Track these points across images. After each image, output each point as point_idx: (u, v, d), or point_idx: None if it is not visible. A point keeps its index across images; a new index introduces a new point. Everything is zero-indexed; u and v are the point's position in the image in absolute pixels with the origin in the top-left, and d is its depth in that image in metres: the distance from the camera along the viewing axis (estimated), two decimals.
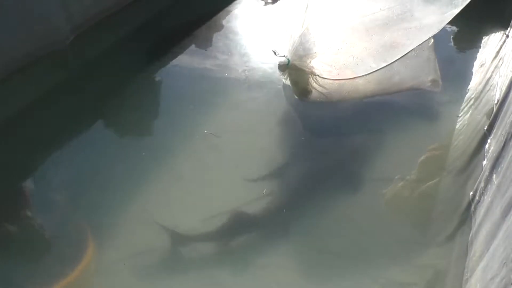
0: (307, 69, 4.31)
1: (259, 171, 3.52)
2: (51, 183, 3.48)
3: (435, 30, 4.15)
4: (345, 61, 4.32)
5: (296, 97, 4.35)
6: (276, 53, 4.33)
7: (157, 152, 3.70)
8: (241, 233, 3.18)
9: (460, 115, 3.99)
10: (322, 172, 3.68)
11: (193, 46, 5.12)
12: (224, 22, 5.50)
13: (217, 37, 5.23)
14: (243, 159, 3.67)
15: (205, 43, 5.18)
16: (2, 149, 3.70)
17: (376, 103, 4.27)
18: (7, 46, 4.19)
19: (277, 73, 4.43)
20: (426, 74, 4.33)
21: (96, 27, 5.02)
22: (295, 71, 4.32)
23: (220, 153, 3.71)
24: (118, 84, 4.50)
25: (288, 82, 4.39)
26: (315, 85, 4.30)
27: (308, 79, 4.32)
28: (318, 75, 4.28)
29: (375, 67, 4.20)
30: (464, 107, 4.06)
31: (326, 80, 4.28)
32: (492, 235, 2.53)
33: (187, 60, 4.91)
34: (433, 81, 4.27)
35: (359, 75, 4.25)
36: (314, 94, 4.28)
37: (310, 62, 4.33)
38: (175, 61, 4.86)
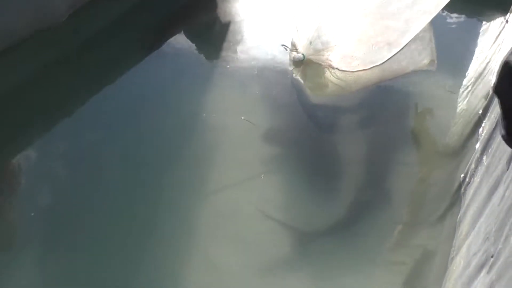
0: (324, 63, 4.16)
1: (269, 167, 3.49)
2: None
3: (433, 13, 3.96)
4: (365, 51, 4.12)
5: (309, 92, 4.23)
6: (288, 49, 4.22)
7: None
8: None
9: (459, 100, 3.90)
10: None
11: (195, 32, 4.84)
12: (231, 8, 5.10)
13: (222, 25, 4.89)
14: (250, 157, 3.57)
15: (209, 30, 4.90)
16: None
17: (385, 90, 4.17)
18: (3, 21, 3.95)
19: (289, 68, 4.23)
20: (423, 55, 4.14)
21: (93, 5, 4.60)
22: (310, 66, 4.16)
23: (226, 152, 3.61)
24: (111, 64, 4.32)
25: (299, 77, 4.21)
26: (332, 78, 4.12)
27: (325, 73, 4.15)
28: (337, 68, 4.09)
29: (390, 54, 4.11)
30: (463, 92, 3.97)
31: (343, 72, 4.07)
32: (479, 214, 2.60)
33: (185, 47, 4.60)
34: (430, 61, 4.07)
35: (377, 64, 4.03)
36: (329, 88, 4.13)
37: (328, 55, 4.22)
38: (171, 47, 4.57)
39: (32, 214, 3.04)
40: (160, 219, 3.07)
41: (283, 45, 4.29)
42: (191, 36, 4.71)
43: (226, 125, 3.74)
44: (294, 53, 4.23)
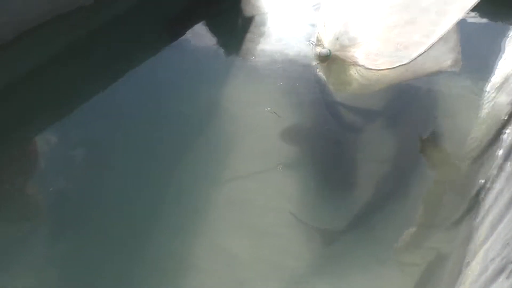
0: (350, 60, 4.12)
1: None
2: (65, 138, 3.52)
3: (461, 14, 3.94)
4: (391, 49, 4.05)
5: (332, 88, 4.12)
6: (314, 44, 4.18)
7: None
8: None
9: (483, 103, 3.78)
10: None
11: (217, 23, 4.74)
12: (255, 1, 4.96)
13: (245, 17, 4.78)
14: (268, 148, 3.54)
15: (232, 21, 4.80)
16: (22, 98, 3.72)
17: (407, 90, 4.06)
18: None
19: (313, 63, 4.17)
20: (448, 56, 4.09)
21: None
22: (335, 62, 4.11)
23: (244, 141, 3.57)
24: (132, 52, 4.29)
25: (323, 72, 4.15)
26: (356, 75, 4.06)
27: (349, 70, 4.10)
28: (362, 65, 4.02)
29: (416, 54, 4.03)
30: (487, 96, 3.84)
31: (368, 70, 4.01)
32: (499, 220, 2.55)
33: (207, 37, 4.51)
34: (455, 62, 4.03)
35: (402, 63, 3.96)
36: (353, 85, 4.07)
37: (354, 52, 4.18)
38: (193, 37, 4.48)
39: (51, 189, 3.09)
40: (172, 205, 3.09)
41: (309, 40, 4.24)
42: (212, 27, 4.67)
43: (246, 115, 3.71)
44: (320, 48, 4.20)
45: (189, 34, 4.51)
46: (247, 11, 4.86)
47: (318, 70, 4.10)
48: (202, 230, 2.95)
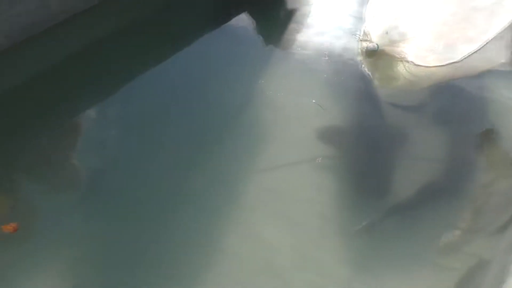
0: (398, 55, 4.02)
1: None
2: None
3: None
4: (443, 46, 3.95)
5: (377, 83, 3.97)
6: (361, 38, 4.09)
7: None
8: None
9: None
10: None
11: (265, 11, 4.69)
12: None
13: (289, 8, 4.71)
14: (309, 139, 3.48)
15: (276, 11, 4.72)
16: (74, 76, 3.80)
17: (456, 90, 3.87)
18: None
19: (358, 56, 4.07)
20: (501, 54, 3.89)
21: None
22: (382, 57, 4.02)
23: (285, 131, 3.54)
24: (175, 37, 4.31)
25: (368, 67, 4.03)
26: (403, 71, 3.97)
27: (397, 65, 4.00)
28: (411, 61, 3.94)
29: (468, 51, 3.86)
30: None
31: (417, 66, 3.91)
32: None
33: (250, 26, 4.50)
34: (508, 60, 3.84)
35: (454, 61, 3.89)
36: (399, 81, 3.95)
37: (403, 47, 4.05)
38: (236, 25, 4.47)
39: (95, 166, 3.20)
40: (209, 189, 3.10)
41: (356, 34, 4.14)
42: (259, 16, 4.63)
43: (289, 105, 3.67)
44: (367, 43, 4.10)
45: (236, 21, 4.50)
46: (292, 1, 4.80)
47: (363, 64, 4.00)
48: (236, 216, 2.96)
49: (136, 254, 2.78)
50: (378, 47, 4.03)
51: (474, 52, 3.82)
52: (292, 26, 4.44)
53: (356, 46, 4.12)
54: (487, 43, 3.80)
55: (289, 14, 4.60)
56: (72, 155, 3.28)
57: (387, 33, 4.09)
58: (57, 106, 3.58)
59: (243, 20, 4.54)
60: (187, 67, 4.01)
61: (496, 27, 3.91)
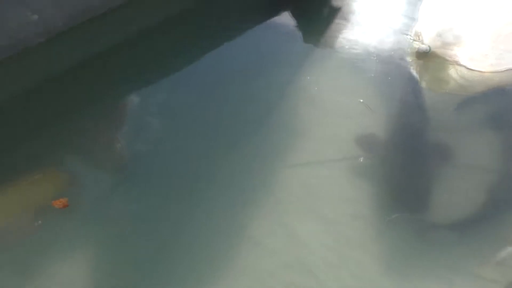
0: (450, 58, 3.90)
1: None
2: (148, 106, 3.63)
3: None
4: (501, 51, 3.79)
5: (425, 85, 3.83)
6: (412, 39, 3.97)
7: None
8: None
9: None
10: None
11: (311, 7, 4.64)
12: None
13: (334, 5, 4.64)
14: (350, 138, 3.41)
15: (326, 7, 4.64)
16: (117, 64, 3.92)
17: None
18: None
19: (407, 58, 3.96)
20: None
21: None
22: (433, 59, 3.90)
23: (327, 128, 3.49)
24: (216, 30, 4.34)
25: (418, 69, 3.93)
26: (455, 75, 3.83)
27: (449, 69, 3.87)
28: (464, 65, 3.81)
29: None
30: None
31: (471, 71, 3.78)
32: None
33: (292, 23, 4.45)
34: None
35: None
36: (449, 85, 3.79)
37: (457, 51, 3.91)
38: (280, 21, 4.44)
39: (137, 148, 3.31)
40: (244, 179, 3.12)
41: (406, 34, 4.03)
42: (301, 12, 4.60)
43: (332, 102, 3.63)
44: (418, 44, 3.99)
45: (281, 16, 4.50)
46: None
47: (412, 66, 3.89)
48: (270, 208, 2.96)
49: (168, 236, 2.84)
50: (430, 49, 3.91)
51: None
52: (338, 23, 4.39)
53: (406, 46, 4.02)
54: None
55: (335, 11, 4.55)
56: (117, 138, 3.41)
57: (440, 35, 3.95)
58: (105, 91, 3.74)
59: (288, 16, 4.53)
60: (231, 60, 4.06)
61: None
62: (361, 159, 3.26)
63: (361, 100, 3.62)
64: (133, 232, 2.82)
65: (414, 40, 3.99)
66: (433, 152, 3.41)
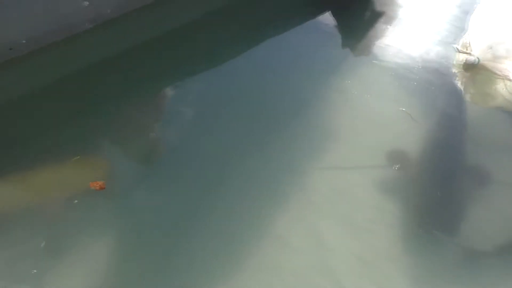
0: (500, 72, 3.78)
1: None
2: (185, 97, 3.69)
3: None
4: None
5: (469, 99, 3.74)
6: (459, 49, 3.87)
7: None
8: None
9: None
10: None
11: (353, 11, 4.62)
12: None
13: (376, 9, 4.61)
14: (387, 146, 3.36)
15: (362, 11, 4.63)
16: (160, 55, 3.97)
17: None
18: None
19: (452, 69, 3.88)
20: None
21: None
22: (481, 72, 3.80)
23: (362, 133, 3.45)
24: (268, 23, 4.40)
25: (463, 81, 3.84)
26: (503, 91, 3.72)
27: (497, 83, 3.76)
28: None
29: None
30: None
31: None
32: None
33: (333, 25, 4.43)
34: None
35: None
36: (496, 101, 3.69)
37: (508, 64, 3.78)
38: (320, 23, 4.43)
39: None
40: (274, 178, 3.12)
41: (453, 44, 3.94)
42: (343, 15, 4.57)
43: (372, 108, 3.59)
44: (466, 55, 3.87)
45: (322, 18, 4.49)
46: (382, 3, 4.69)
47: (458, 78, 3.80)
48: (299, 209, 2.95)
49: (195, 228, 2.87)
50: (478, 61, 3.79)
51: None
52: (382, 29, 4.35)
53: (452, 57, 3.93)
54: None
55: (377, 16, 4.51)
56: (154, 128, 3.48)
57: (491, 47, 3.82)
58: (145, 81, 3.80)
59: (330, 17, 4.52)
60: (268, 57, 4.07)
61: None
62: (396, 168, 3.21)
63: (403, 109, 3.57)
64: (160, 220, 2.87)
65: (461, 51, 3.88)
66: (471, 169, 3.31)
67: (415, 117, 3.52)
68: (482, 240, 2.92)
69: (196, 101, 3.65)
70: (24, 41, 3.72)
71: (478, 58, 3.80)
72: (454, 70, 3.85)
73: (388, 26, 4.37)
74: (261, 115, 3.54)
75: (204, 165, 3.18)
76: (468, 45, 3.92)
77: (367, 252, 2.78)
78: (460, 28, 4.16)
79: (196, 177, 3.11)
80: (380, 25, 4.41)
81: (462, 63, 3.87)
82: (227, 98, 3.67)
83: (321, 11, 4.58)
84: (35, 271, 2.54)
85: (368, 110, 3.59)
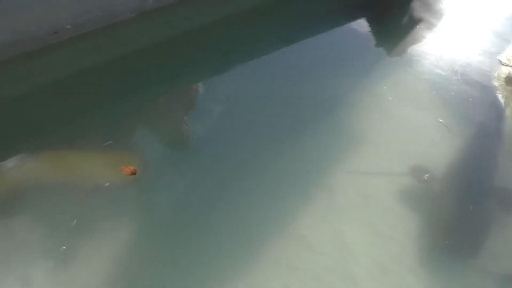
0: None
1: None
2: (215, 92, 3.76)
3: None
4: None
5: (510, 115, 3.65)
6: (503, 62, 3.78)
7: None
8: None
9: None
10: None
11: (392, 16, 4.60)
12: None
13: (415, 15, 4.57)
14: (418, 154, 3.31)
15: (412, 17, 4.57)
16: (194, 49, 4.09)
17: None
18: None
19: (493, 82, 3.79)
20: None
21: None
22: None
23: (394, 140, 3.43)
24: (303, 23, 4.43)
25: (504, 95, 3.75)
26: None
27: None
28: None
29: None
30: None
31: None
32: None
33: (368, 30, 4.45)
34: None
35: None
36: None
37: None
38: (357, 26, 4.46)
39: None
40: (300, 177, 3.14)
41: (497, 56, 3.84)
42: (381, 20, 4.57)
43: (407, 115, 3.57)
44: (510, 69, 3.76)
45: (360, 21, 4.48)
46: (419, 9, 4.64)
47: (499, 91, 3.71)
48: (325, 211, 2.97)
49: (217, 221, 2.91)
50: None
51: None
52: (423, 35, 4.29)
53: (494, 69, 3.84)
54: None
55: (416, 22, 4.47)
56: (185, 119, 3.56)
57: None
58: (178, 73, 3.91)
59: (366, 22, 4.52)
60: (302, 57, 4.11)
61: None
62: (425, 177, 3.17)
63: (441, 120, 3.52)
64: (184, 211, 2.94)
65: (505, 63, 3.77)
66: (503, 190, 3.23)
67: (451, 128, 3.46)
68: (506, 265, 2.85)
69: (226, 96, 3.72)
70: (69, 26, 3.87)
71: None
72: (496, 83, 3.76)
73: (428, 33, 4.31)
74: (291, 114, 3.57)
75: (231, 159, 3.24)
76: None
77: (388, 260, 2.77)
78: (505, 40, 4.07)
79: (222, 170, 3.17)
80: (419, 31, 4.36)
81: (505, 76, 3.77)
82: (258, 95, 3.72)
83: (359, 14, 4.57)
84: (64, 247, 2.66)
85: (401, 117, 3.56)
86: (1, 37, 3.60)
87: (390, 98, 3.69)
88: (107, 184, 2.96)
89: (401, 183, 3.14)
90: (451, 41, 4.26)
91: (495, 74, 3.83)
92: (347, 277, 2.69)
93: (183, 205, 2.96)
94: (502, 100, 3.68)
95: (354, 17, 4.58)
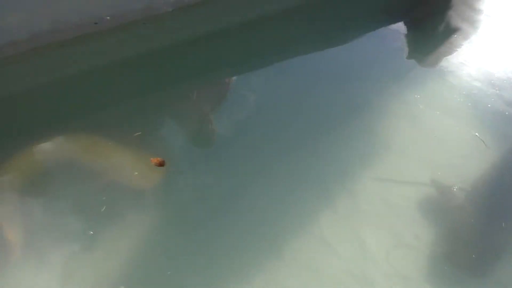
0: None
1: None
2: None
3: None
4: None
5: None
6: None
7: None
8: None
9: None
10: None
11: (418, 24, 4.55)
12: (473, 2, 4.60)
13: (451, 22, 4.51)
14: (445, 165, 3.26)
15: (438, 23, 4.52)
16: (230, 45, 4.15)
17: None
18: None
19: None
20: None
21: None
22: None
23: (424, 149, 3.38)
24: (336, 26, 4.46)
25: None
26: None
27: None
28: None
29: None
30: None
31: None
32: None
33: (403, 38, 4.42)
34: None
35: None
36: None
37: None
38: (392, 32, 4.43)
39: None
40: (322, 180, 3.14)
41: None
42: (414, 28, 4.50)
43: (439, 126, 3.52)
44: None
45: (396, 28, 4.46)
46: (456, 16, 4.59)
47: None
48: (348, 215, 2.97)
49: (236, 217, 2.94)
50: None
51: None
52: (458, 45, 4.23)
53: None
54: None
55: (453, 31, 4.40)
56: (212, 114, 3.62)
57: None
58: (211, 68, 4.00)
59: (402, 29, 4.50)
60: (336, 60, 4.13)
61: None
62: (454, 189, 3.13)
63: (477, 134, 3.46)
64: (208, 205, 2.98)
65: None
66: None
67: (488, 143, 3.40)
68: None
69: (257, 94, 3.76)
70: (108, 17, 4.00)
71: None
72: None
73: (465, 43, 4.24)
74: (318, 117, 3.58)
75: (255, 159, 3.27)
76: None
77: (409, 269, 2.74)
78: None
79: (246, 167, 3.21)
80: (456, 41, 4.29)
81: None
82: (286, 97, 3.74)
83: (394, 20, 4.54)
84: (92, 232, 2.75)
85: (433, 127, 3.52)
86: (41, 25, 3.75)
87: (421, 107, 3.65)
88: (136, 173, 3.05)
89: (427, 193, 3.11)
90: (489, 53, 4.19)
91: None
92: (365, 282, 2.69)
93: (206, 199, 3.01)
94: None
95: (389, 23, 4.56)
